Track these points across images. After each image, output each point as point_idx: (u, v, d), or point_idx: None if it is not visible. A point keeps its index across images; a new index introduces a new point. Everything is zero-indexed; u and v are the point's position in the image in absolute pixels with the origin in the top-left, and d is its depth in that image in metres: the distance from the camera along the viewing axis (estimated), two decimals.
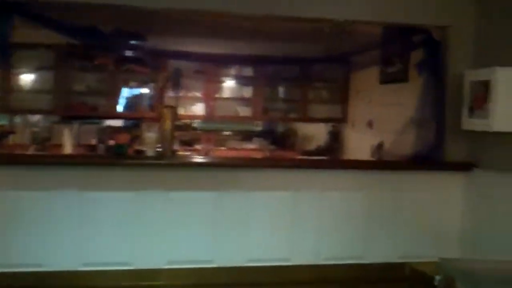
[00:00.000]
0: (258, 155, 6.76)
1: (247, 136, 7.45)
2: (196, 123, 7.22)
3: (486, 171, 3.69)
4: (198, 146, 6.95)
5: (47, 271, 3.55)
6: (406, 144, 4.14)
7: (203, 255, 3.74)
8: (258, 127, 7.63)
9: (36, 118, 6.54)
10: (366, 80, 5.93)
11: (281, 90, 6.94)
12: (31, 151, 5.82)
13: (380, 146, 5.11)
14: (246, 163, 4.01)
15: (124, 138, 6.32)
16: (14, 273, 3.52)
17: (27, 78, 6.12)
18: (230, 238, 3.76)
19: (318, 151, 6.85)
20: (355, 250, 3.91)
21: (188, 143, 6.86)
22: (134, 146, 5.72)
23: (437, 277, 2.18)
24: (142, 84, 6.50)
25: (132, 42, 5.54)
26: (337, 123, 6.81)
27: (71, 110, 6.20)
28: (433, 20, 4.03)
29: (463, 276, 2.01)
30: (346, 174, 3.92)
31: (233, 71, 6.84)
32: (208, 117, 6.74)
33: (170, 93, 6.22)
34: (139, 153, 4.86)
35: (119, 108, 6.46)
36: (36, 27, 4.17)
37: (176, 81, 6.16)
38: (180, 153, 6.36)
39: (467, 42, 3.96)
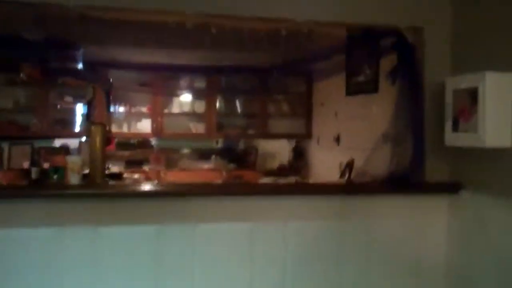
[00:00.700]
0: (214, 176, 6.44)
1: (205, 154, 7.17)
2: (153, 141, 6.94)
3: (475, 193, 3.32)
4: (146, 167, 6.62)
5: None
6: (379, 162, 3.77)
7: None
8: (219, 144, 7.33)
9: None
10: (331, 91, 5.75)
11: (237, 104, 6.72)
12: None
13: (349, 165, 4.80)
14: (194, 191, 3.50)
15: (61, 160, 5.80)
16: None
17: None
18: (176, 281, 3.29)
19: (281, 171, 6.66)
20: None
21: (137, 164, 6.57)
22: None
23: None
24: (78, 99, 6.00)
25: (65, 52, 5.08)
26: (301, 139, 6.67)
27: None
28: (405, 21, 3.67)
29: None
30: (313, 201, 3.51)
31: (183, 83, 6.58)
32: (155, 134, 6.41)
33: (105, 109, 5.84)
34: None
35: (53, 126, 5.91)
36: None
37: (107, 95, 5.64)
38: (126, 176, 6.06)
39: (445, 45, 3.63)
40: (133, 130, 6.37)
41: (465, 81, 3.12)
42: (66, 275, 3.13)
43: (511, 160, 3.02)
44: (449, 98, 3.28)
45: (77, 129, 6.00)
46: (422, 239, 3.59)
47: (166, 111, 6.42)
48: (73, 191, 3.31)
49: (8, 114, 5.75)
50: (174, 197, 3.39)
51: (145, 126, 6.39)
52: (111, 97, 6.16)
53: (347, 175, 4.82)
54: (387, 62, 4.08)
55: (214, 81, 6.40)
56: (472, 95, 3.03)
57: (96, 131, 3.62)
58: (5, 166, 5.46)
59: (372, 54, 4.41)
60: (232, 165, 6.93)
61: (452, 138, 3.26)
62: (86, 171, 3.53)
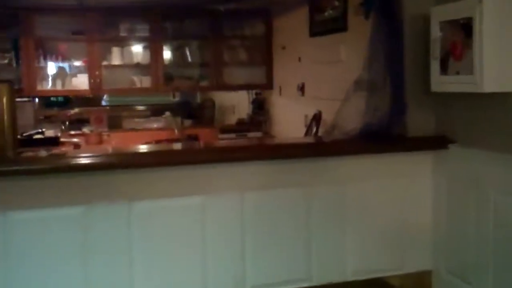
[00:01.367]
0: (165, 136, 6.06)
1: (158, 111, 6.79)
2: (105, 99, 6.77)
3: (466, 147, 3.04)
4: (87, 129, 6.25)
5: None
6: (352, 115, 3.47)
7: None
8: (176, 98, 7.00)
9: None
10: (293, 31, 5.42)
11: (187, 52, 6.22)
12: None
13: (317, 118, 4.53)
14: (126, 163, 3.02)
15: None
16: None
17: None
18: (110, 269, 2.96)
19: (241, 126, 6.31)
20: (294, 271, 3.22)
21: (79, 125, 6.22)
22: None
23: None
24: None
25: None
26: (261, 89, 6.29)
27: None
28: None
29: None
30: (275, 165, 3.19)
31: (123, 29, 5.99)
32: (94, 91, 5.97)
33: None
34: None
35: None
36: None
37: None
38: (63, 140, 5.62)
39: None
40: (67, 87, 5.81)
41: (455, 10, 2.85)
42: None
43: None
44: (435, 32, 3.00)
45: None
46: (405, 202, 3.42)
47: (105, 63, 5.87)
48: None
49: None
50: (103, 171, 2.99)
51: (81, 81, 5.83)
52: (40, 49, 5.69)
53: (314, 130, 4.58)
54: None
55: (159, 26, 5.88)
56: (465, 28, 2.76)
57: (1, 91, 3.06)
58: None
59: None
60: (187, 122, 6.56)
61: (440, 83, 3.01)
62: None
